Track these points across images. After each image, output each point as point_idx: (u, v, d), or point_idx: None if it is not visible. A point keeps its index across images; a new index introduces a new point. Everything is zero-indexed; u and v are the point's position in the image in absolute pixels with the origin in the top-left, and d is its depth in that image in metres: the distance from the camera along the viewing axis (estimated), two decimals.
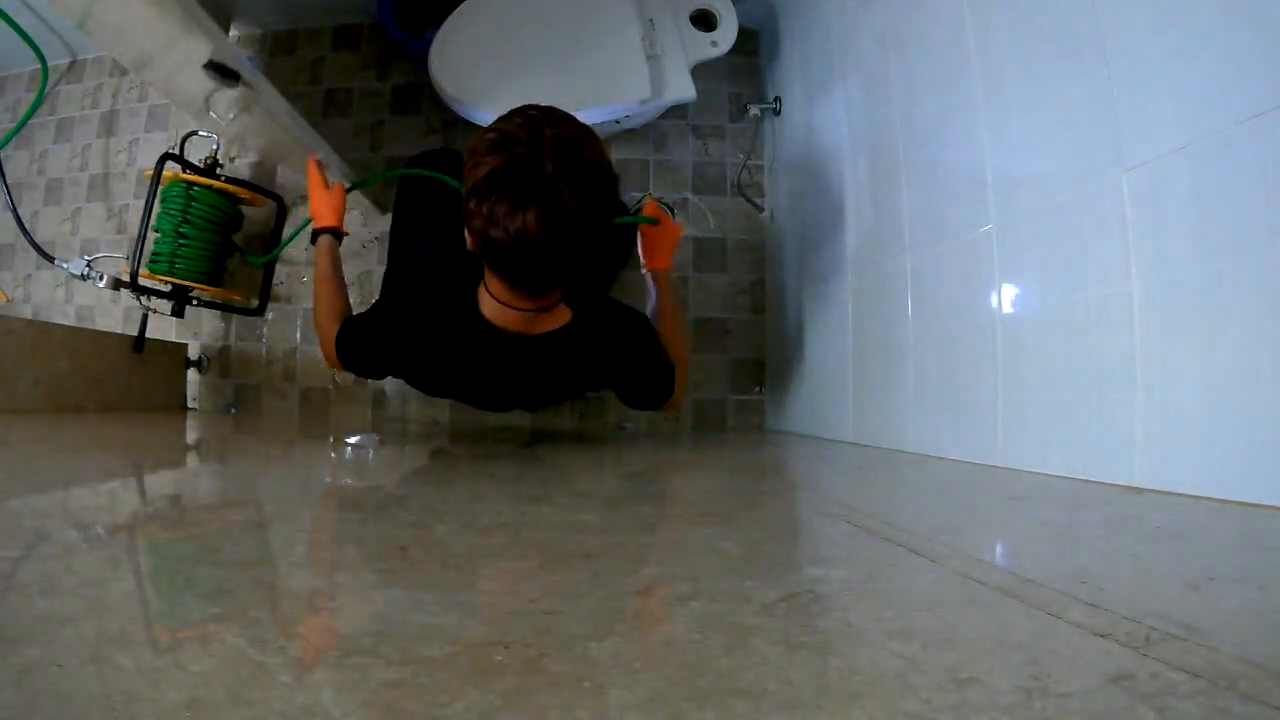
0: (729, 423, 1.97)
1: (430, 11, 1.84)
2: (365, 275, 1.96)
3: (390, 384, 1.95)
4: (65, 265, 1.65)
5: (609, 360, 1.09)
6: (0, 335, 1.38)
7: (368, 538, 0.59)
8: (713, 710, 0.27)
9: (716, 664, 0.31)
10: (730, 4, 1.76)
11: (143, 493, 0.80)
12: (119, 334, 1.77)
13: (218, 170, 1.78)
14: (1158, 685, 0.29)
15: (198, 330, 2.02)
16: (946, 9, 1.08)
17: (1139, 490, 0.74)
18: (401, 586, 0.43)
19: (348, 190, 1.34)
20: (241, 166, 2.04)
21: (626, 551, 0.54)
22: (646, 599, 0.43)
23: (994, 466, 0.97)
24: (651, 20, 1.67)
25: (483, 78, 1.61)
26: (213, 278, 1.78)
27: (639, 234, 1.33)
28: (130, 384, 1.74)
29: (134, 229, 1.83)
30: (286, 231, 1.87)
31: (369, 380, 1.97)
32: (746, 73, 2.05)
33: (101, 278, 1.64)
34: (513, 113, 0.88)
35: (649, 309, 1.29)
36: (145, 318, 1.78)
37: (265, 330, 2.00)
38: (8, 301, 2.12)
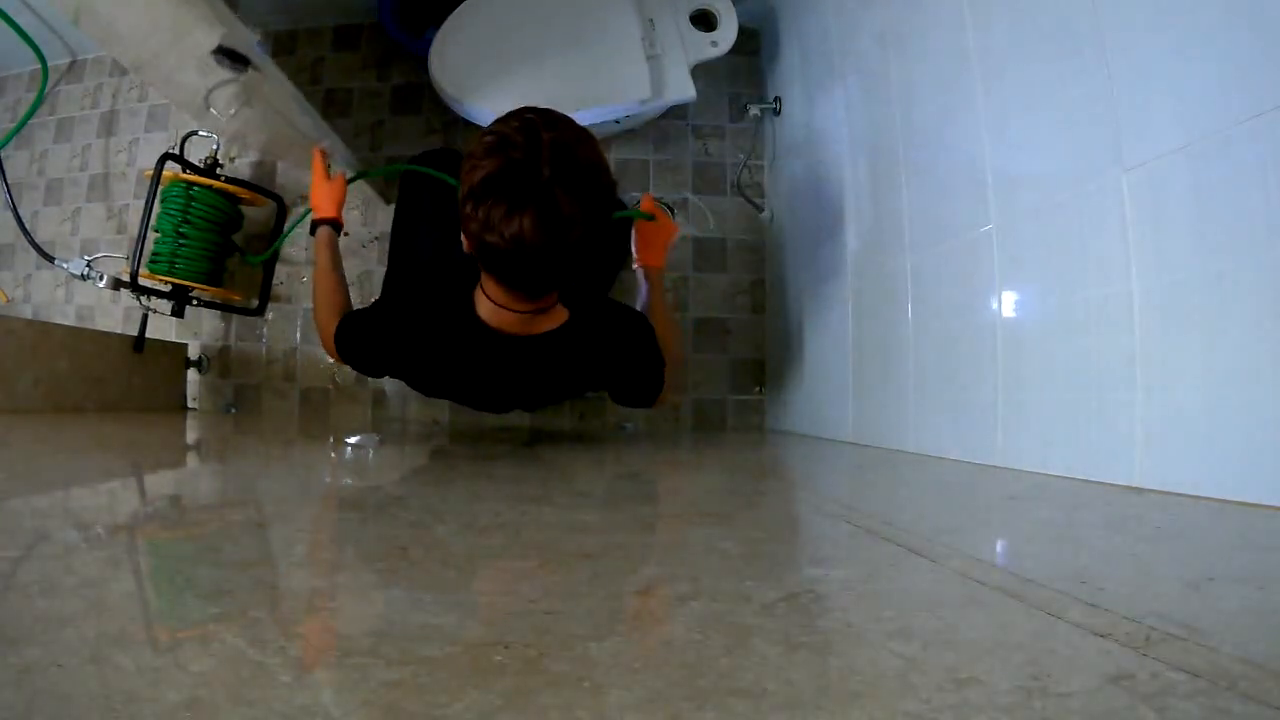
0: (729, 423, 1.97)
1: (430, 11, 1.84)
2: (365, 275, 1.96)
3: (390, 384, 1.95)
4: (65, 265, 1.65)
5: (606, 359, 1.09)
6: (0, 335, 1.38)
7: (368, 538, 0.59)
8: (713, 710, 0.27)
9: (716, 664, 0.31)
10: (730, 4, 1.76)
11: (143, 493, 0.80)
12: (119, 334, 1.77)
13: (218, 170, 1.78)
14: (1158, 685, 0.29)
15: (198, 330, 2.02)
16: (946, 9, 1.08)
17: (1139, 490, 0.74)
18: (401, 586, 0.43)
19: (349, 181, 1.34)
20: (241, 166, 2.03)
21: (626, 551, 0.54)
22: (646, 599, 0.43)
23: (994, 466, 0.97)
24: (651, 20, 1.67)
25: (483, 78, 1.61)
26: (213, 278, 1.78)
27: (633, 230, 1.33)
28: (130, 384, 1.73)
29: (134, 229, 1.83)
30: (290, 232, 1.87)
31: (369, 379, 1.97)
32: (746, 73, 2.05)
33: (101, 278, 1.64)
34: (510, 115, 0.88)
35: (640, 304, 1.30)
36: (145, 318, 1.78)
37: (265, 330, 2.00)
38: (8, 301, 2.12)
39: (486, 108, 1.58)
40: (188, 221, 1.70)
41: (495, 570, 0.50)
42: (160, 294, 1.75)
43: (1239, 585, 0.45)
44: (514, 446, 1.39)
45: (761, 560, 0.53)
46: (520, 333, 1.01)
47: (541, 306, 1.00)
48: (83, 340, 1.63)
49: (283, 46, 2.11)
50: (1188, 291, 0.70)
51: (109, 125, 2.14)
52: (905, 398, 1.21)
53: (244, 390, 2.00)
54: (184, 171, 1.74)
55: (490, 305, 0.99)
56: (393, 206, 1.62)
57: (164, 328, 1.95)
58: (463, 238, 0.90)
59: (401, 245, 1.54)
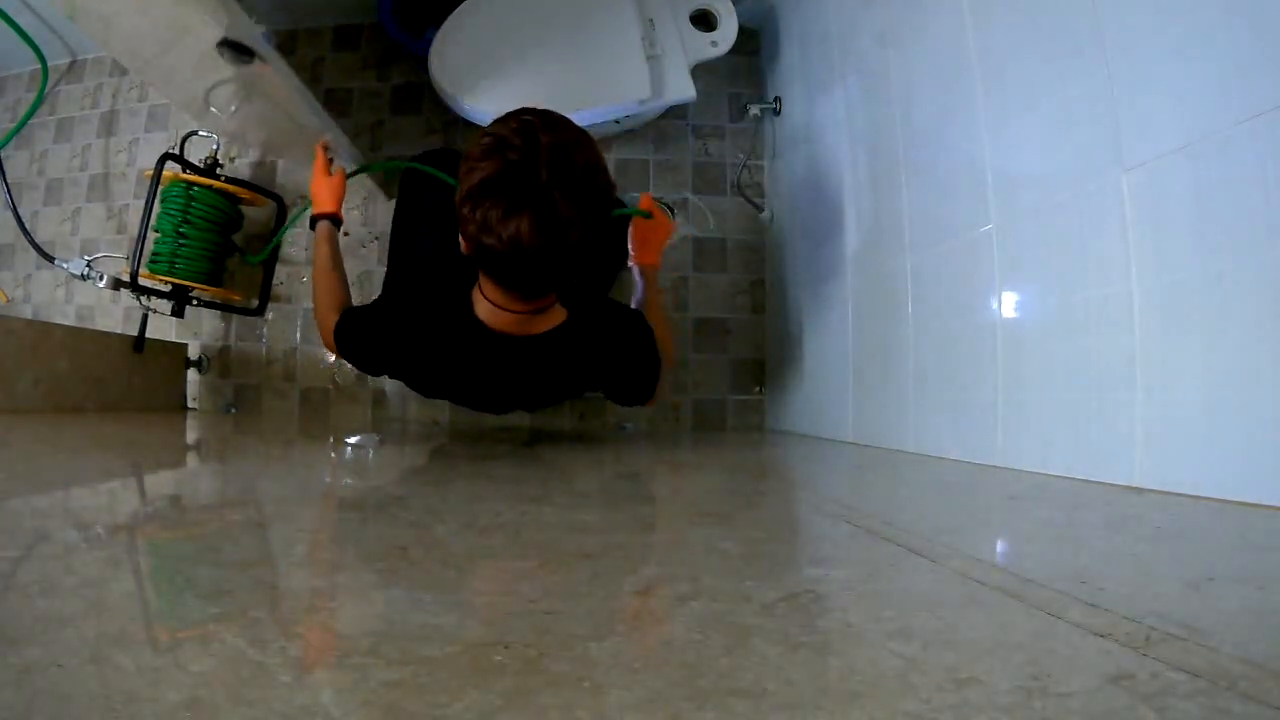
0: (729, 423, 1.97)
1: (430, 11, 1.84)
2: (365, 275, 1.96)
3: (390, 384, 1.95)
4: (65, 265, 1.65)
5: (604, 358, 1.09)
6: (0, 335, 1.38)
7: (368, 538, 0.59)
8: (713, 710, 0.27)
9: (716, 664, 0.31)
10: (730, 4, 1.76)
11: (143, 493, 0.80)
12: (119, 334, 1.77)
13: (218, 170, 1.78)
14: (1158, 685, 0.29)
15: (198, 330, 2.02)
16: (946, 9, 1.08)
17: (1139, 490, 0.74)
18: (401, 586, 0.43)
19: (348, 175, 1.34)
20: (241, 166, 2.04)
21: (626, 551, 0.54)
22: (646, 599, 0.43)
23: (994, 466, 0.97)
24: (651, 20, 1.67)
25: (482, 78, 1.61)
26: (213, 278, 1.78)
27: (630, 228, 1.33)
28: (130, 384, 1.73)
29: (134, 229, 1.83)
30: (288, 228, 1.87)
31: (369, 379, 1.97)
32: (746, 73, 2.05)
33: (101, 278, 1.64)
34: (508, 116, 0.88)
35: (635, 302, 1.30)
36: (145, 318, 1.78)
37: (265, 330, 2.00)
38: (8, 301, 2.12)
39: (486, 108, 1.58)
40: (188, 221, 1.70)
41: (495, 570, 0.50)
42: (160, 294, 1.75)
43: (1239, 585, 0.45)
44: (514, 446, 1.39)
45: (761, 560, 0.53)
46: (518, 333, 1.01)
47: (539, 307, 1.00)
48: (83, 340, 1.63)
49: (283, 46, 2.10)
50: (1188, 291, 0.70)
51: (109, 125, 2.14)
52: (905, 398, 1.21)
53: (244, 390, 2.00)
54: (184, 171, 1.74)
55: (488, 306, 0.99)
56: (393, 203, 1.63)
57: (164, 328, 1.95)
58: (460, 239, 0.90)
59: (401, 245, 1.54)
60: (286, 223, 1.76)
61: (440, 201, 1.43)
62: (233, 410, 1.99)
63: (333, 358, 1.98)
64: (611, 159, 2.01)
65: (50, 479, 0.80)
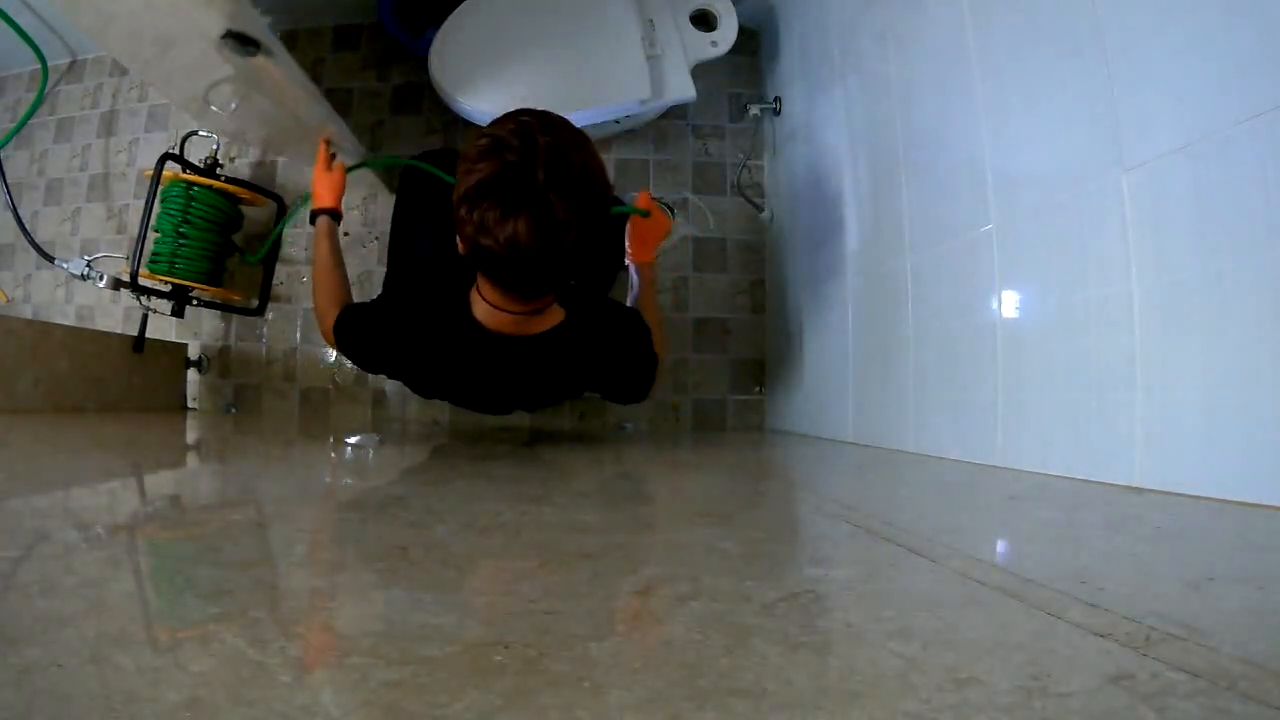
0: (729, 423, 1.97)
1: (430, 11, 1.84)
2: (365, 275, 1.96)
3: (390, 384, 1.95)
4: (65, 265, 1.65)
5: (602, 358, 1.09)
6: (0, 335, 1.38)
7: (368, 538, 0.59)
8: (713, 710, 0.27)
9: (716, 664, 0.31)
10: (730, 4, 1.76)
11: (143, 493, 0.80)
12: (119, 334, 1.77)
13: (218, 170, 1.78)
14: (1158, 685, 0.29)
15: (198, 330, 2.02)
16: (946, 9, 1.08)
17: (1139, 490, 0.74)
18: (401, 586, 0.43)
19: (349, 169, 1.34)
20: (241, 166, 2.04)
21: (626, 551, 0.54)
22: (646, 599, 0.43)
23: (994, 466, 0.97)
24: (651, 20, 1.67)
25: (482, 78, 1.61)
26: (213, 278, 1.78)
27: (628, 225, 1.33)
28: (130, 384, 1.74)
29: (134, 229, 1.83)
30: (286, 223, 1.87)
31: (369, 379, 1.97)
32: (746, 73, 2.05)
33: (101, 278, 1.64)
34: (506, 118, 0.88)
35: (630, 299, 1.30)
36: (145, 318, 1.78)
37: (265, 330, 2.00)
38: (8, 301, 2.12)
39: (486, 108, 1.58)
40: (188, 221, 1.70)
41: (495, 570, 0.50)
42: (160, 294, 1.75)
43: (1239, 585, 0.45)
44: (514, 446, 1.39)
45: (761, 560, 0.53)
46: (515, 333, 1.01)
47: (537, 307, 1.00)
48: (83, 340, 1.63)
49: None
50: (1188, 291, 0.70)
51: (109, 125, 2.14)
52: (905, 398, 1.21)
53: (244, 390, 2.00)
54: (184, 171, 1.74)
55: (486, 306, 0.99)
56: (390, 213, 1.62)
57: (164, 328, 1.95)
58: (458, 240, 0.90)
59: (400, 245, 1.54)
60: (284, 218, 1.76)
61: (440, 201, 1.43)
62: (233, 410, 1.99)
63: (333, 357, 1.98)
64: (611, 159, 2.01)
65: (50, 479, 0.80)
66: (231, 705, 0.27)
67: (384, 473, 1.06)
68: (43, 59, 2.00)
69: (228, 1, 1.15)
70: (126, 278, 1.67)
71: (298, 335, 2.00)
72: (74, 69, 2.18)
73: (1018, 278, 0.96)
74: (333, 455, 1.19)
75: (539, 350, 1.03)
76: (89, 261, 1.65)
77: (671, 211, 1.94)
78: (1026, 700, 0.28)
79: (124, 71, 2.12)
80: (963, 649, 0.34)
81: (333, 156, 1.34)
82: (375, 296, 1.15)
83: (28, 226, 1.87)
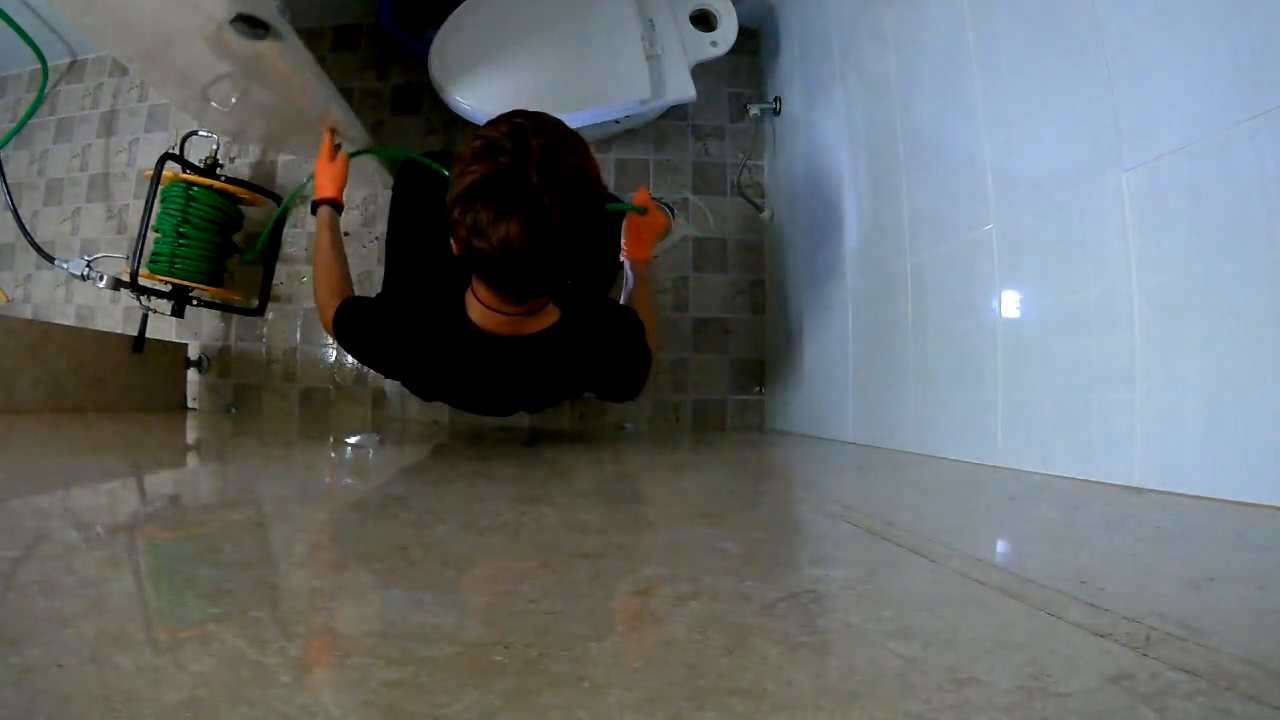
0: (729, 423, 1.97)
1: (430, 11, 1.84)
2: (365, 275, 1.96)
3: (390, 383, 1.95)
4: (65, 265, 1.65)
5: (597, 357, 1.09)
6: (0, 335, 1.38)
7: (368, 538, 0.59)
8: (713, 710, 0.27)
9: (716, 664, 0.31)
10: (730, 4, 1.76)
11: (143, 493, 0.80)
12: (119, 334, 1.77)
13: (218, 170, 1.78)
14: (1158, 685, 0.29)
15: (198, 330, 2.02)
16: (946, 9, 1.08)
17: (1139, 490, 0.74)
18: (401, 586, 0.43)
19: (352, 156, 1.34)
20: (241, 166, 2.04)
21: (626, 551, 0.54)
22: (646, 599, 0.43)
23: (994, 466, 0.97)
24: (651, 20, 1.67)
25: (483, 78, 1.61)
26: (213, 278, 1.78)
27: (624, 223, 1.33)
28: (130, 384, 1.73)
29: (134, 229, 1.84)
30: (280, 217, 1.86)
31: (369, 379, 1.97)
32: (746, 73, 2.05)
33: (101, 278, 1.64)
34: (500, 119, 0.88)
35: (625, 295, 1.30)
36: (145, 318, 1.78)
37: (265, 330, 2.00)
38: (8, 301, 2.12)
39: (486, 108, 1.57)
40: (188, 221, 1.70)
41: (495, 570, 0.50)
42: (160, 294, 1.75)
43: (1239, 585, 0.45)
44: (514, 446, 1.39)
45: (761, 560, 0.53)
46: (510, 334, 1.01)
47: (532, 308, 1.00)
48: (82, 340, 1.63)
49: None
50: (1188, 291, 0.70)
51: (109, 125, 2.14)
52: (905, 397, 1.21)
53: (244, 390, 2.00)
54: (184, 171, 1.74)
55: (480, 308, 0.99)
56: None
57: (164, 328, 1.95)
58: (452, 241, 0.90)
59: (397, 244, 1.54)
60: (280, 209, 1.76)
61: (439, 201, 1.43)
62: (233, 410, 1.99)
63: (333, 357, 1.98)
64: (611, 159, 2.01)
65: (50, 479, 0.80)
66: (231, 705, 0.27)
67: (384, 473, 1.06)
68: (43, 59, 2.00)
69: None
70: (126, 278, 1.67)
71: (298, 335, 2.00)
72: (74, 69, 2.18)
73: (1018, 277, 0.96)
74: (333, 455, 1.19)
75: (534, 351, 1.03)
76: (89, 261, 1.65)
77: (672, 211, 1.93)
78: (1026, 700, 0.28)
79: (124, 71, 2.12)
80: (963, 649, 0.34)
81: (337, 147, 1.34)
82: (377, 294, 1.15)
83: (28, 226, 1.87)
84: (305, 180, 1.74)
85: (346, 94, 2.06)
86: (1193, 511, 0.65)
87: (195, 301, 1.82)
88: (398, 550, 0.52)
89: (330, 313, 1.14)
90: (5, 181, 1.89)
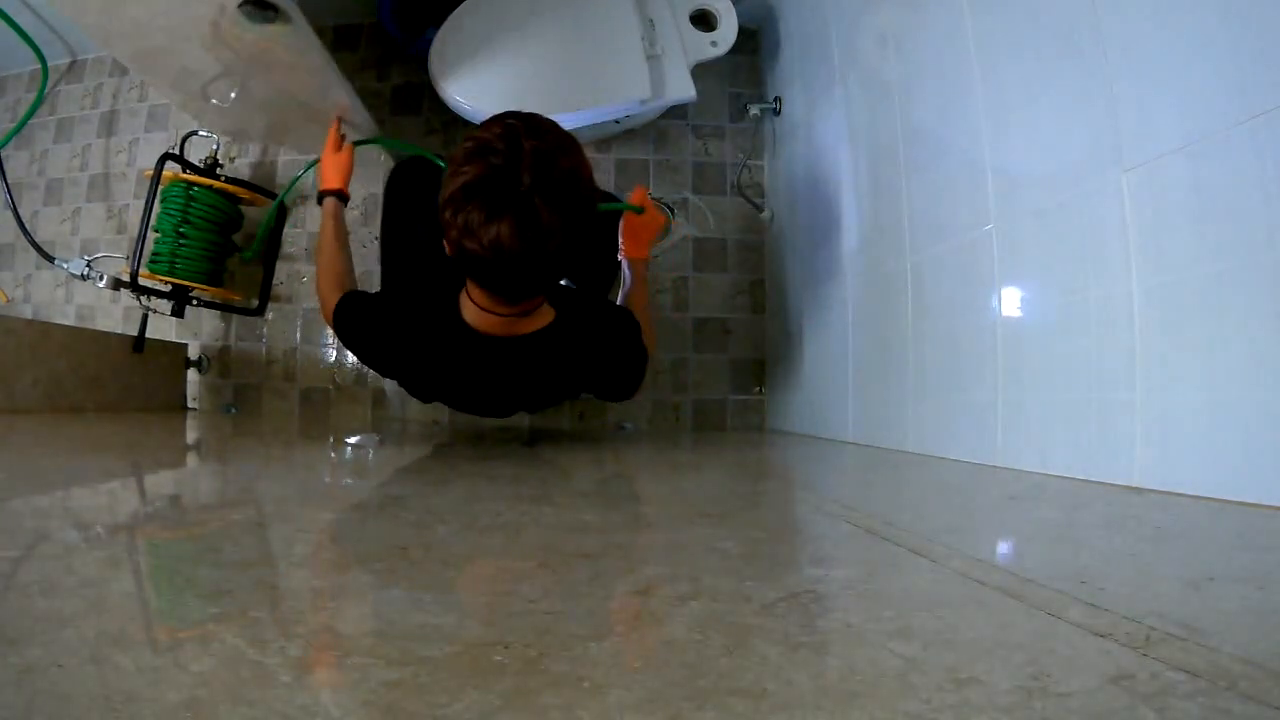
0: (729, 423, 1.97)
1: (430, 11, 1.84)
2: (365, 275, 1.95)
3: (390, 383, 1.95)
4: (65, 265, 1.66)
5: (592, 357, 1.09)
6: (0, 335, 1.38)
7: (368, 538, 0.59)
8: (713, 710, 0.27)
9: (716, 664, 0.31)
10: (730, 4, 1.76)
11: (143, 493, 0.80)
12: (119, 334, 1.77)
13: (218, 170, 1.78)
14: (1158, 685, 0.29)
15: (198, 330, 2.01)
16: (946, 9, 1.08)
17: (1139, 490, 0.74)
18: (401, 586, 0.43)
19: (357, 145, 1.34)
20: (241, 166, 2.03)
21: (626, 551, 0.54)
22: (646, 599, 0.43)
23: (994, 466, 0.97)
24: (651, 20, 1.67)
25: (482, 78, 1.61)
26: (213, 278, 1.78)
27: (621, 222, 1.32)
28: (130, 384, 1.73)
29: (134, 229, 1.83)
30: (287, 218, 1.87)
31: (369, 379, 1.97)
32: (746, 73, 2.05)
33: (101, 278, 1.64)
34: (493, 120, 0.88)
35: (622, 294, 1.30)
36: (145, 318, 1.78)
37: (265, 330, 2.00)
38: (8, 301, 2.12)
39: (486, 107, 1.57)
40: (188, 221, 1.70)
41: (495, 570, 0.50)
42: (160, 294, 1.75)
43: (1239, 585, 0.45)
44: (514, 446, 1.39)
45: (761, 560, 0.53)
46: (504, 335, 1.01)
47: (525, 309, 1.00)
48: (83, 340, 1.63)
49: None
50: (1188, 291, 0.70)
51: (109, 125, 2.14)
52: (905, 397, 1.21)
53: (244, 390, 2.00)
54: (184, 171, 1.74)
55: (474, 309, 0.99)
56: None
57: (164, 328, 1.95)
58: (444, 243, 0.90)
59: (391, 245, 1.53)
60: (275, 201, 1.75)
61: (432, 200, 1.42)
62: (233, 410, 1.99)
63: (333, 357, 1.98)
64: (611, 159, 2.01)
65: (50, 479, 0.80)
66: (231, 705, 0.27)
67: (384, 473, 1.06)
68: (43, 59, 2.00)
69: None
70: (126, 278, 1.67)
71: (298, 335, 2.00)
72: (74, 69, 2.18)
73: (1018, 277, 0.96)
74: (333, 455, 1.19)
75: (528, 351, 1.03)
76: (89, 261, 1.65)
77: (671, 211, 1.93)
78: (1026, 700, 0.28)
79: (124, 71, 2.12)
80: (963, 649, 0.34)
81: (343, 138, 1.34)
82: (377, 291, 1.15)
83: (28, 226, 1.87)
84: (300, 173, 1.74)
85: None
86: (1193, 511, 0.65)
87: (195, 301, 1.82)
88: (398, 550, 0.52)
89: (331, 305, 1.14)
90: (5, 181, 1.89)
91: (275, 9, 1.23)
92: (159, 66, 1.44)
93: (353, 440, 1.31)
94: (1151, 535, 0.59)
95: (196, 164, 1.75)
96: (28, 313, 2.08)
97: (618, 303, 1.28)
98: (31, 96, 2.10)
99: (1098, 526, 0.65)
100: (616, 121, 1.80)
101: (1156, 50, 0.74)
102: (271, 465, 1.08)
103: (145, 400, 1.78)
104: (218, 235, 1.76)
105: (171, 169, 1.73)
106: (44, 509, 0.64)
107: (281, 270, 1.99)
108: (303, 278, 2.00)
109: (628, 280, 1.31)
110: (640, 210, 1.31)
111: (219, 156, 1.79)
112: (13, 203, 1.90)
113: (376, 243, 1.97)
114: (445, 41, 1.64)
